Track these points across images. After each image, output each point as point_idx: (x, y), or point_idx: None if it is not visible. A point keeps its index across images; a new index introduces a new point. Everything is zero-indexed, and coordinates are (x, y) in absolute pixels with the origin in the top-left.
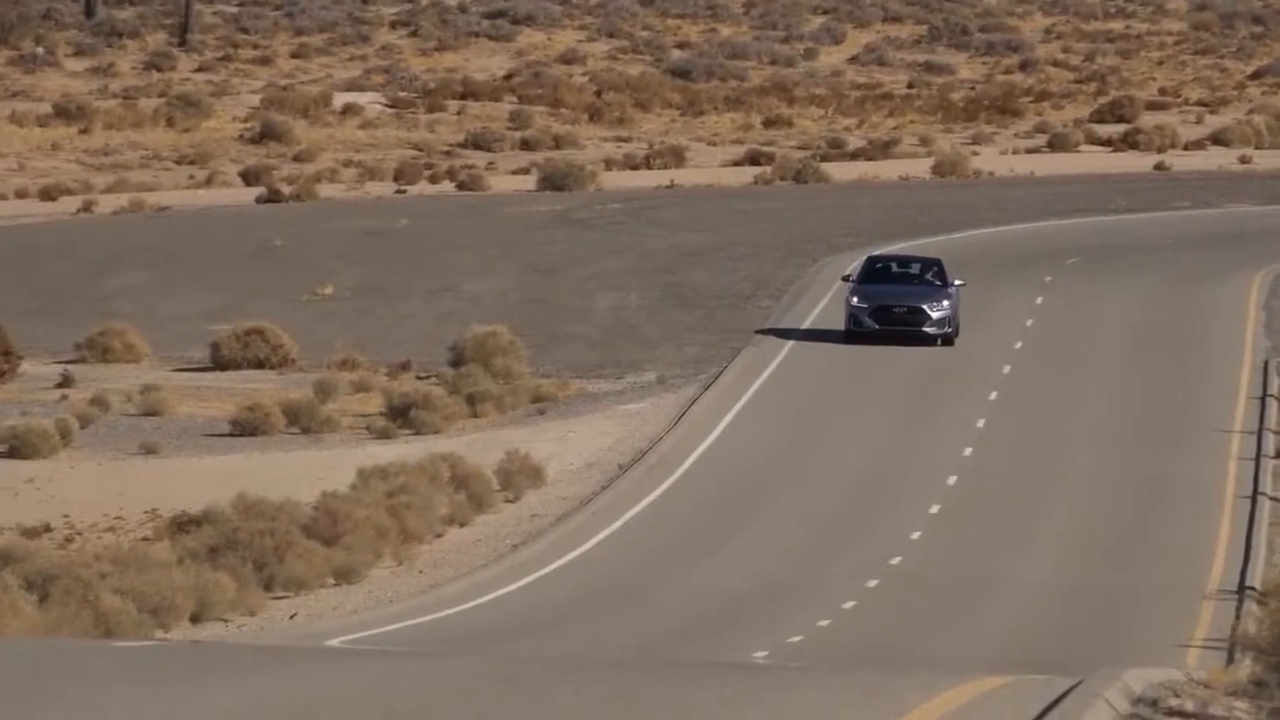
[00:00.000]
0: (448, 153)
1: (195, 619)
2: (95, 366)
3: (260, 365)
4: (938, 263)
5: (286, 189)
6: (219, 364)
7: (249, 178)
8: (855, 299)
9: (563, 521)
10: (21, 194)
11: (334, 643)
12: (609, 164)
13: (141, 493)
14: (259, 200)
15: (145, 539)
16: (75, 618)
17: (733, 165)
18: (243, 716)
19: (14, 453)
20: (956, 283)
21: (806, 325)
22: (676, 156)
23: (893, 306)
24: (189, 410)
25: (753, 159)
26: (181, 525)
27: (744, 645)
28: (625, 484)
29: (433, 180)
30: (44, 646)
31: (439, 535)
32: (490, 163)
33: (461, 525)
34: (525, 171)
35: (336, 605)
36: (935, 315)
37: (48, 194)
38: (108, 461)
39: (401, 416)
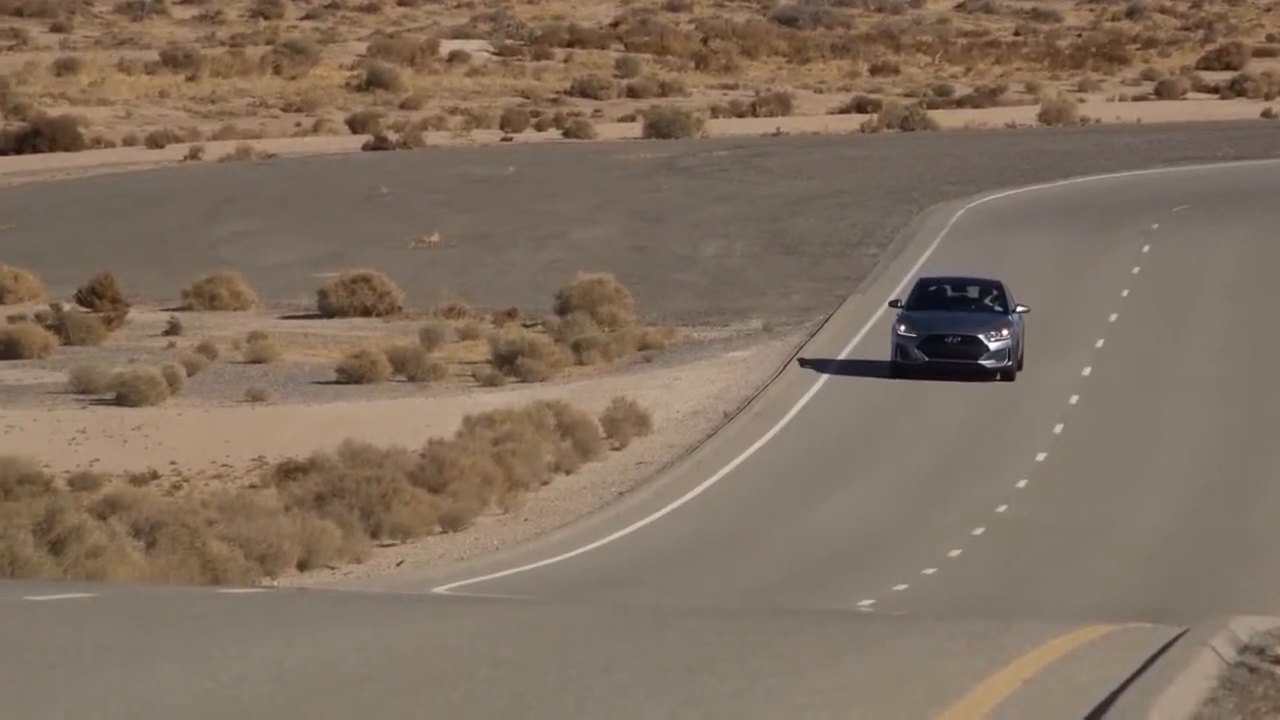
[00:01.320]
0: (554, 100)
1: (302, 566)
2: (202, 314)
3: (367, 313)
4: (998, 286)
5: (393, 136)
6: (326, 311)
7: (355, 125)
8: (902, 327)
9: (668, 469)
10: (129, 141)
11: (440, 590)
12: (715, 111)
13: (248, 440)
14: (366, 148)
15: (252, 486)
16: (182, 565)
17: (839, 113)
18: (349, 665)
19: (122, 400)
20: (1019, 309)
21: (913, 273)
22: (783, 104)
23: (945, 336)
24: (295, 358)
25: (859, 106)
26: (288, 472)
27: (849, 593)
28: (731, 431)
29: (539, 128)
30: (151, 593)
31: (545, 483)
32: (596, 110)
33: (567, 473)
34: (631, 119)
35: (443, 553)
36: (993, 346)
37: (155, 141)
38: (215, 409)
39: (507, 364)
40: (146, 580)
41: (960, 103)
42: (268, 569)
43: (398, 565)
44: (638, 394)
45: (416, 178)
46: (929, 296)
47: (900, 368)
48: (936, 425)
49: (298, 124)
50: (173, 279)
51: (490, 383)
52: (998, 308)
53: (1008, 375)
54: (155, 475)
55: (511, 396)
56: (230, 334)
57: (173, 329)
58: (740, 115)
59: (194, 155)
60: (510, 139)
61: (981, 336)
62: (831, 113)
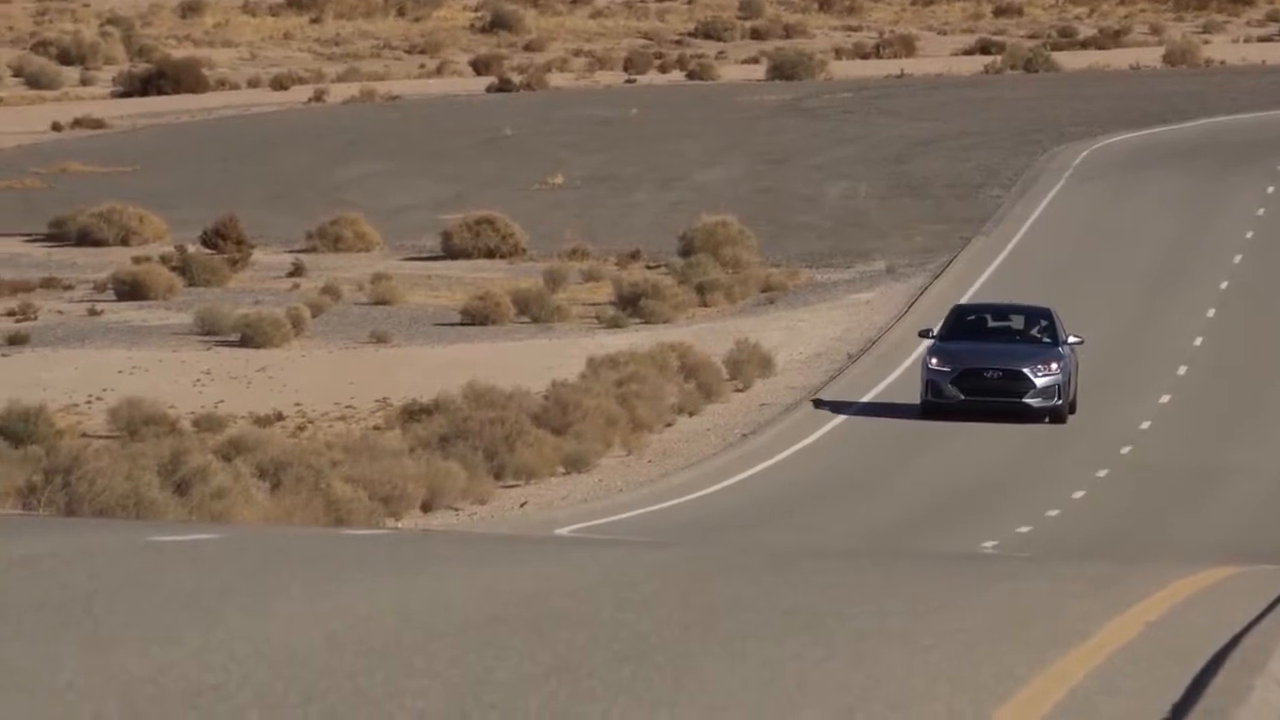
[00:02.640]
0: (678, 42)
1: (426, 508)
2: (326, 255)
3: (490, 254)
4: (1047, 314)
5: (517, 78)
6: (449, 253)
7: (479, 67)
8: (934, 360)
9: (791, 411)
10: (254, 83)
11: (563, 532)
12: (839, 53)
13: (372, 381)
14: (489, 89)
15: (376, 427)
16: (307, 506)
17: (963, 54)
18: (473, 606)
19: (246, 342)
20: (1072, 339)
21: (1036, 214)
22: (906, 45)
23: (984, 370)
24: (419, 299)
25: (983, 48)
26: (412, 414)
27: (972, 535)
28: (854, 373)
29: (662, 69)
30: (276, 535)
31: (668, 424)
32: (720, 52)
33: (691, 414)
34: (755, 61)
35: (566, 494)
36: (1041, 382)
37: (279, 83)
38: (339, 350)
39: (631, 306)
40: (271, 522)
41: (1084, 44)
42: (392, 510)
43: (521, 506)
44: (761, 335)
45: (540, 119)
46: (965, 326)
47: (931, 407)
48: None
49: (422, 66)
50: (297, 221)
51: (614, 324)
52: (1046, 339)
53: (1057, 416)
54: (280, 417)
55: (635, 338)
56: (354, 276)
57: (297, 271)
58: (864, 57)
59: (318, 97)
60: (634, 81)
61: (1027, 371)
62: (955, 54)
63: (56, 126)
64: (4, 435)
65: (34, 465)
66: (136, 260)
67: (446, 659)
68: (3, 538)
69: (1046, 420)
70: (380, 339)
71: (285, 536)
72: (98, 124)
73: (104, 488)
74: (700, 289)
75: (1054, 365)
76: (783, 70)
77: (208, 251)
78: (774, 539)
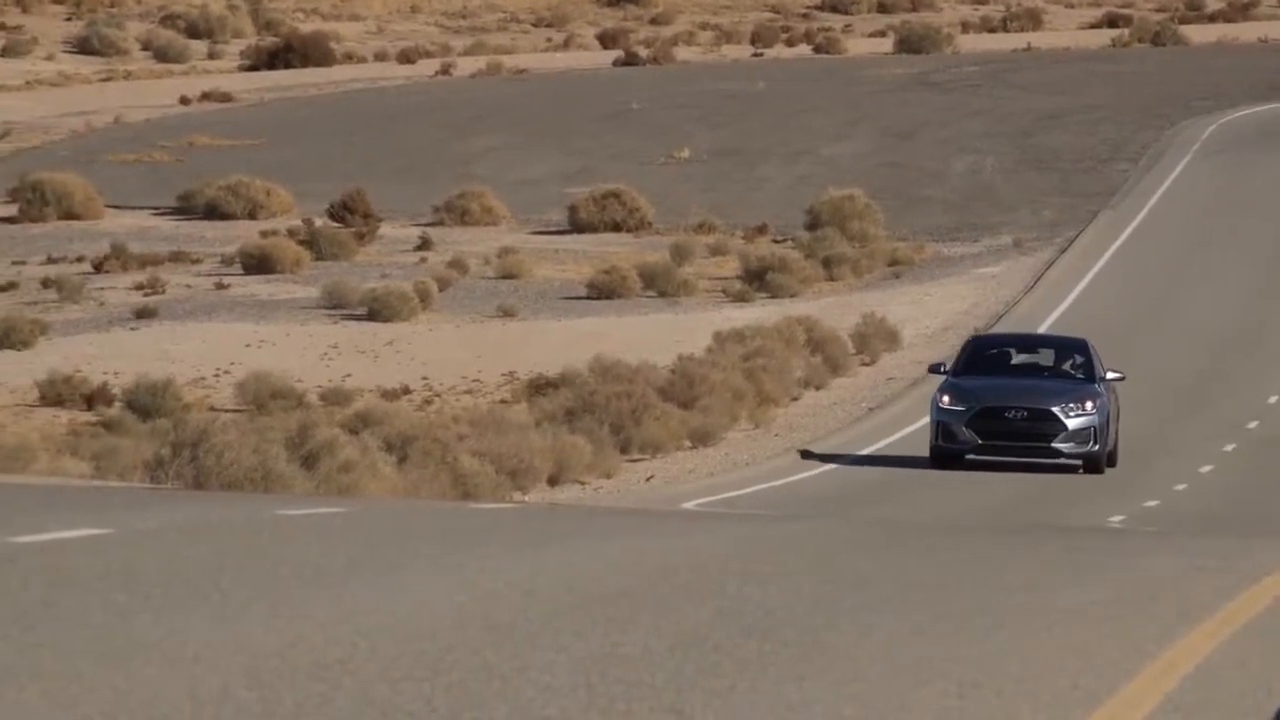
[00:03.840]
0: (805, 16)
1: (552, 481)
2: (453, 229)
3: (617, 228)
4: (1082, 346)
5: (643, 52)
6: (576, 227)
7: (606, 41)
8: (945, 399)
9: (918, 385)
10: (380, 57)
11: (689, 505)
12: (965, 27)
13: (499, 355)
14: (616, 63)
15: (503, 401)
16: (434, 479)
17: (1090, 28)
18: (599, 580)
19: (373, 315)
20: (1111, 375)
21: (1163, 188)
22: (1033, 19)
23: (1005, 410)
24: (546, 273)
25: (1110, 21)
26: (539, 388)
27: (1099, 509)
28: None
29: (789, 43)
30: (403, 508)
31: (795, 398)
32: (847, 25)
33: (817, 388)
34: (882, 34)
35: (693, 468)
36: (1074, 424)
37: (406, 57)
38: (465, 324)
39: (757, 280)
40: (398, 495)
41: (1213, 17)
42: (519, 484)
43: (647, 480)
44: (887, 310)
45: (666, 93)
46: (984, 360)
47: (943, 454)
48: (1188, 341)
49: (548, 40)
50: (424, 194)
51: (740, 298)
52: (1080, 374)
53: (1093, 465)
54: (407, 390)
55: (761, 312)
56: (481, 249)
57: (424, 244)
58: (991, 30)
59: (445, 71)
60: (760, 54)
61: (1057, 410)
62: (1082, 28)
63: (184, 100)
64: (132, 409)
65: (162, 439)
66: (264, 234)
67: (572, 633)
68: (131, 511)
69: (1080, 470)
70: (507, 313)
71: (412, 510)
72: (225, 98)
73: (231, 461)
74: (826, 263)
75: (1089, 404)
76: (910, 44)
77: (335, 225)
78: (899, 513)
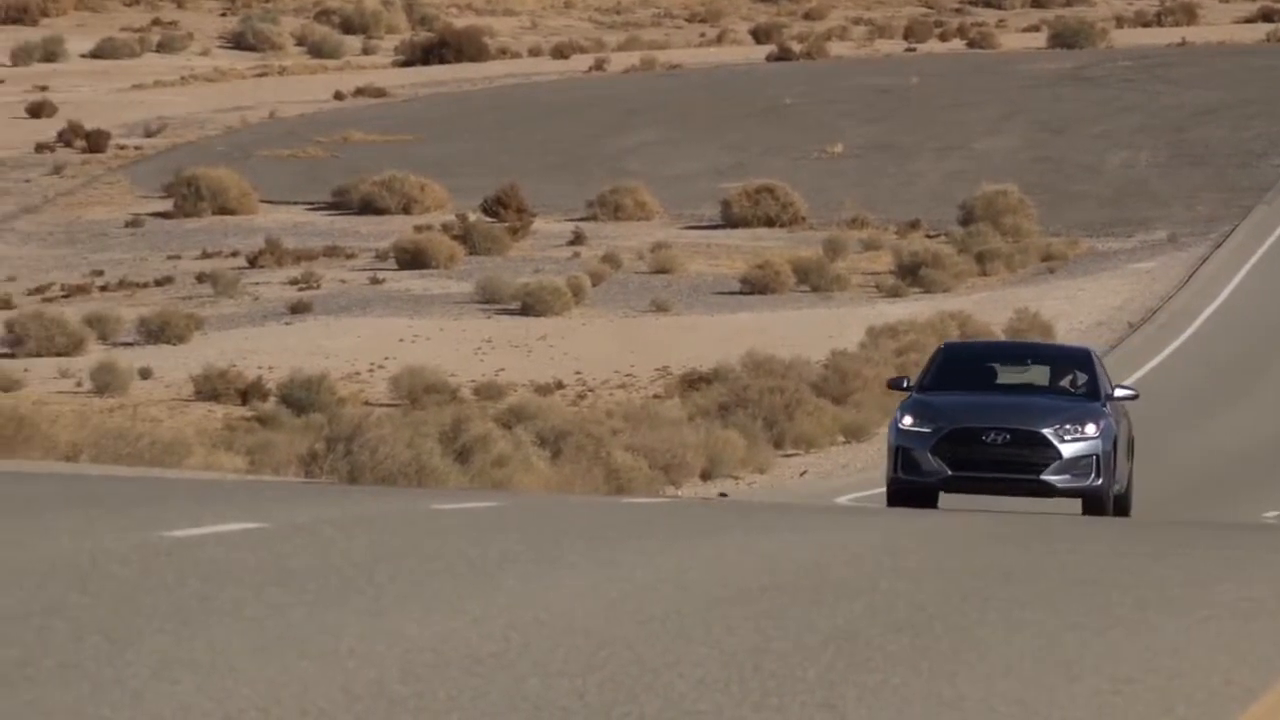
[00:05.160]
0: (958, 10)
1: (705, 476)
2: (606, 224)
3: (770, 223)
4: (1085, 358)
5: (797, 47)
6: (729, 221)
7: (759, 35)
8: (907, 419)
9: None
10: (534, 52)
11: (842, 500)
12: (1119, 21)
13: (652, 350)
14: (769, 58)
15: (656, 396)
16: (587, 474)
17: (1245, 22)
18: (751, 574)
19: (527, 310)
20: (1120, 393)
21: None
22: (1188, 13)
23: (982, 433)
24: (699, 268)
25: (1265, 15)
26: (692, 383)
27: (1253, 505)
28: (1135, 342)
29: (942, 38)
30: (556, 502)
31: None
32: (1000, 20)
33: None
34: (1035, 29)
35: (845, 463)
36: (1069, 450)
37: (560, 52)
38: (619, 319)
39: (911, 274)
40: (551, 490)
41: None
42: (672, 478)
43: (801, 475)
44: (1041, 305)
45: (819, 88)
46: (959, 373)
47: (903, 489)
48: None
49: (702, 35)
50: (577, 189)
51: (893, 293)
52: (1080, 391)
53: (1095, 504)
54: (560, 385)
55: (914, 307)
56: (634, 244)
57: (577, 239)
58: (1145, 25)
59: (599, 66)
60: (914, 49)
61: (1048, 434)
62: (1237, 22)
63: (339, 95)
64: (286, 403)
65: (316, 433)
66: (418, 229)
67: (725, 628)
68: (285, 505)
69: (1085, 508)
70: (660, 307)
71: (565, 505)
72: (379, 93)
73: (385, 456)
74: (980, 258)
75: (1090, 427)
76: (1063, 38)
77: (489, 220)
78: (1050, 507)
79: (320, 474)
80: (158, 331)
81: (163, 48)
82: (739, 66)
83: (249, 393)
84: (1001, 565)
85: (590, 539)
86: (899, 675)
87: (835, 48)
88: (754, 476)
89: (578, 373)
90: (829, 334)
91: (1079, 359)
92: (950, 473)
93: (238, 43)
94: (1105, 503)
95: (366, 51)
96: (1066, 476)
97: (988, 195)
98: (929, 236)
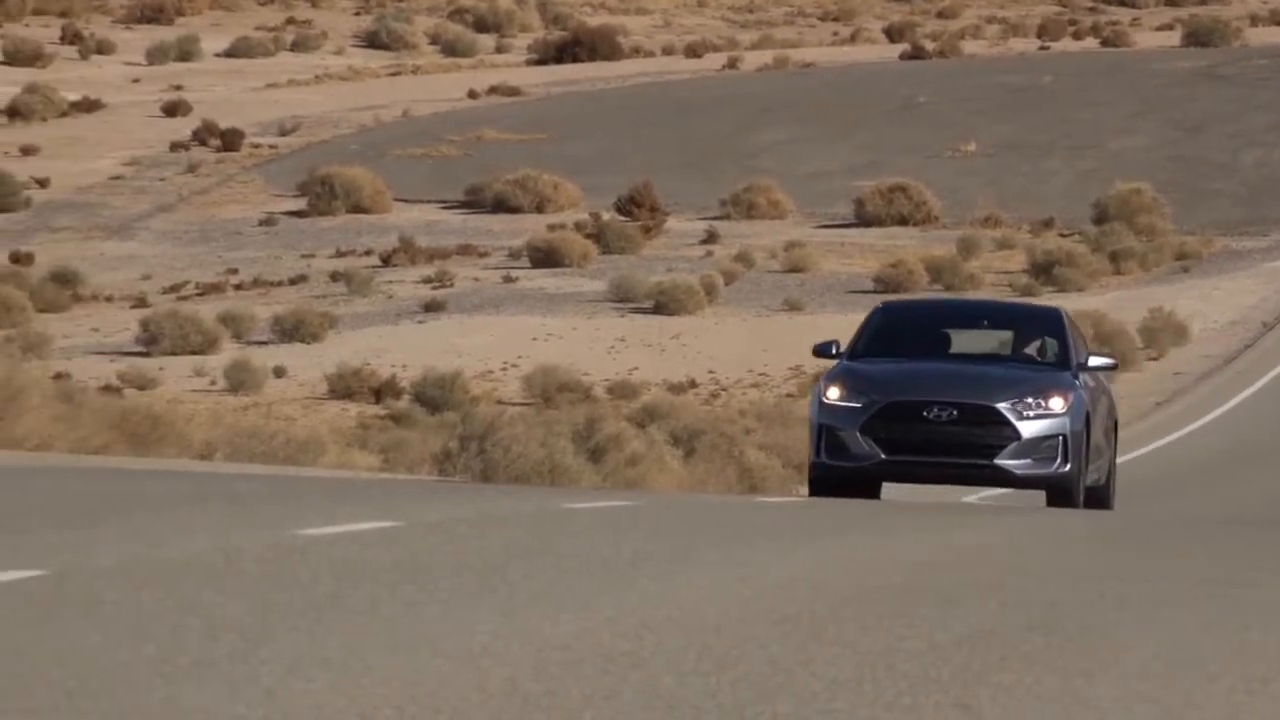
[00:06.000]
0: (1092, 9)
1: None
2: (739, 223)
3: (903, 222)
4: (1052, 319)
5: (930, 45)
6: (862, 220)
7: (892, 34)
8: (833, 392)
9: (1206, 379)
10: (668, 50)
11: (971, 499)
12: (1254, 20)
13: (785, 349)
14: (902, 57)
15: (789, 395)
16: (720, 473)
17: None
18: (884, 574)
19: (660, 309)
20: (1096, 361)
21: None
22: None
23: (923, 407)
24: (832, 267)
25: None
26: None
27: None
28: (1269, 342)
29: (1076, 36)
30: (689, 502)
31: None
32: (1134, 18)
33: None
34: (1169, 27)
35: None
36: (1029, 429)
37: (693, 50)
38: (752, 318)
39: (1044, 273)
40: (684, 489)
41: None
42: (805, 478)
43: None
44: (1175, 304)
45: (953, 86)
46: (899, 337)
47: (827, 477)
48: None
49: (835, 33)
50: (710, 188)
51: (1027, 292)
52: (1045, 358)
53: (1062, 494)
54: (693, 384)
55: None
56: (767, 243)
57: (710, 238)
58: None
59: (731, 64)
60: (1047, 48)
61: (1003, 409)
62: None
63: (472, 94)
64: (420, 402)
65: (450, 431)
66: (551, 227)
67: (858, 627)
68: (419, 503)
69: (1053, 499)
70: (793, 306)
71: (698, 504)
72: (513, 91)
73: (519, 454)
74: (1114, 257)
75: (1054, 401)
76: (1198, 37)
77: (622, 219)
78: (1186, 507)
79: (454, 472)
80: (292, 330)
81: (297, 47)
82: (872, 65)
83: (383, 391)
84: (1136, 565)
85: (723, 538)
86: (1033, 675)
87: (968, 46)
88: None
89: (711, 371)
90: None
91: (1046, 320)
92: (884, 456)
93: (372, 42)
94: (1074, 494)
95: (500, 50)
96: (1026, 461)
97: (1121, 194)
98: (1062, 235)
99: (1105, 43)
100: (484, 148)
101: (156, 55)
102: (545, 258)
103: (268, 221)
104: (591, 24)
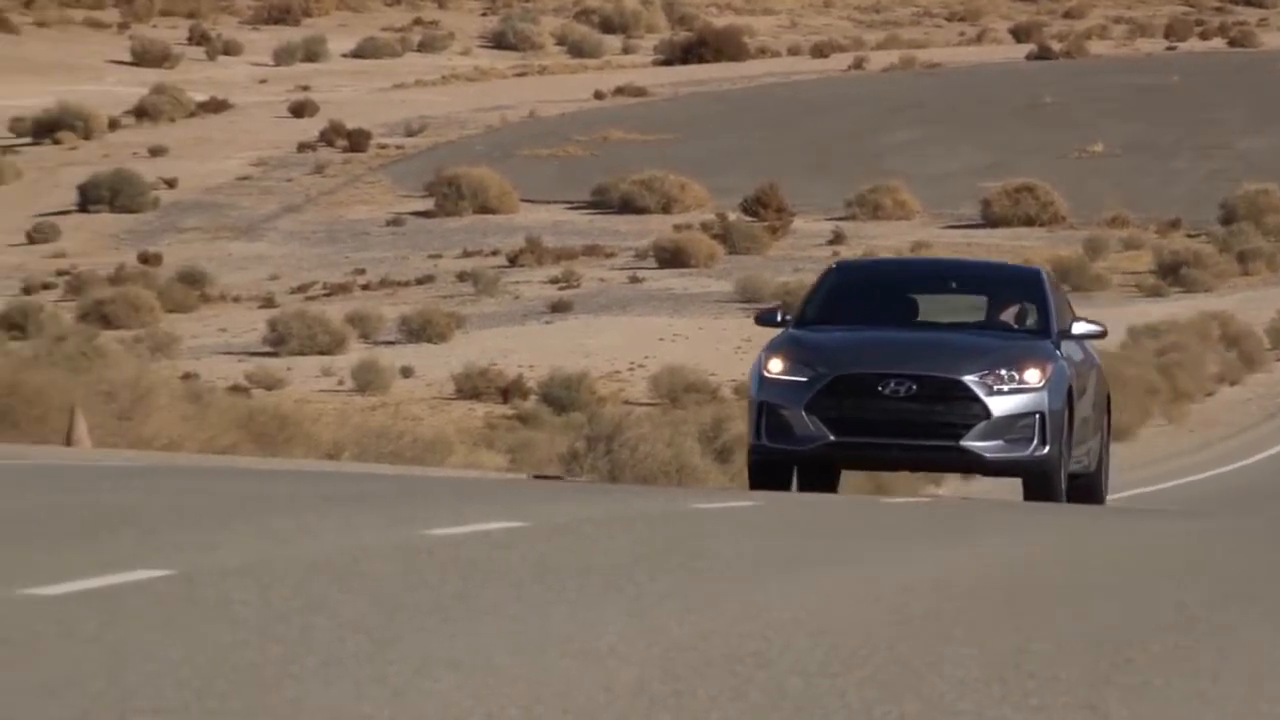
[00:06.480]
0: (1218, 9)
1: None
2: (865, 223)
3: (1029, 222)
4: (1031, 280)
5: (1056, 45)
6: (989, 220)
7: (1019, 34)
8: (777, 363)
9: None
10: (794, 51)
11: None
12: None
13: None
14: (1029, 57)
15: None
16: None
17: None
18: (1012, 575)
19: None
20: (1080, 328)
21: None
22: None
23: (878, 382)
24: None
25: None
26: None
27: None
28: None
29: (1203, 36)
30: (815, 503)
31: (1209, 394)
32: (1262, 19)
33: (1232, 384)
34: None
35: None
36: (1001, 406)
37: (819, 51)
38: None
39: (1171, 274)
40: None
41: None
42: (933, 478)
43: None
44: None
45: (1079, 87)
46: (854, 302)
47: (769, 461)
48: None
49: (961, 34)
50: (837, 188)
51: (1154, 292)
52: (1023, 325)
53: (1040, 480)
54: None
55: (1175, 307)
56: (893, 243)
57: (837, 238)
58: None
59: (858, 65)
60: (1174, 48)
61: (970, 382)
62: None
63: (599, 95)
64: (547, 402)
65: (576, 432)
66: (677, 228)
67: (986, 628)
68: (546, 504)
69: (1030, 487)
70: None
71: (824, 504)
72: (639, 92)
73: (645, 455)
74: (1242, 257)
75: (1030, 373)
76: None
77: (748, 219)
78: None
79: (581, 472)
80: (419, 330)
81: (424, 47)
82: (998, 65)
83: (510, 391)
84: (1269, 567)
85: (850, 538)
86: (1162, 676)
87: (1095, 46)
88: (1014, 478)
89: None
90: None
91: (1025, 282)
92: (833, 438)
93: (498, 42)
94: (1054, 482)
95: (626, 51)
96: (997, 443)
97: (1249, 194)
98: (1190, 236)
99: (1233, 43)
100: (610, 148)
101: (283, 56)
102: (671, 258)
103: (395, 222)
104: (717, 24)
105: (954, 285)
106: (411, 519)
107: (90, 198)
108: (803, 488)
